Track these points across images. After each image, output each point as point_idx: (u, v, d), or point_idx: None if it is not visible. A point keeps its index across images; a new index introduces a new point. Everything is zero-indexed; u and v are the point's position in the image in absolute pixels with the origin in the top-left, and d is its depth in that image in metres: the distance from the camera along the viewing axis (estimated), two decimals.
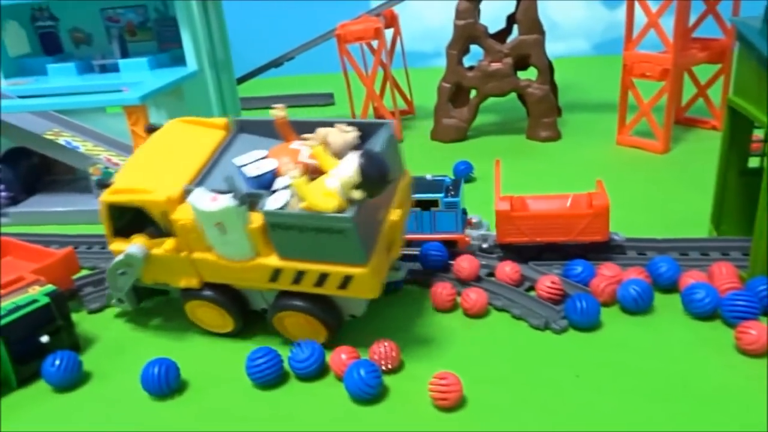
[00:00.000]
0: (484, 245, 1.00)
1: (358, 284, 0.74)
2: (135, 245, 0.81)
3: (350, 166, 0.70)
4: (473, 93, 1.61)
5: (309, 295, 0.78)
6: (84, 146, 1.34)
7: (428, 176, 1.02)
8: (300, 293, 0.78)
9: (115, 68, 1.47)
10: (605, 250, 0.96)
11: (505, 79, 1.53)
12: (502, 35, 1.64)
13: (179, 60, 1.51)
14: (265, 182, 0.78)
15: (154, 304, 0.95)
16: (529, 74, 1.58)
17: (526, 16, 1.48)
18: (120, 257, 0.82)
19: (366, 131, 0.81)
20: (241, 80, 1.81)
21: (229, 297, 0.83)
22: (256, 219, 0.74)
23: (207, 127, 0.89)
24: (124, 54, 1.50)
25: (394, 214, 0.80)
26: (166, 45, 1.56)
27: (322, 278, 0.75)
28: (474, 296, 0.86)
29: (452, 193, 0.97)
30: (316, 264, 0.74)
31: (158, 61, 1.47)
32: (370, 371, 0.71)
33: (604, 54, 2.42)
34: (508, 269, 0.92)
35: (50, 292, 0.84)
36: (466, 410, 0.70)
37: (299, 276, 0.76)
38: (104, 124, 1.40)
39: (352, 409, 0.72)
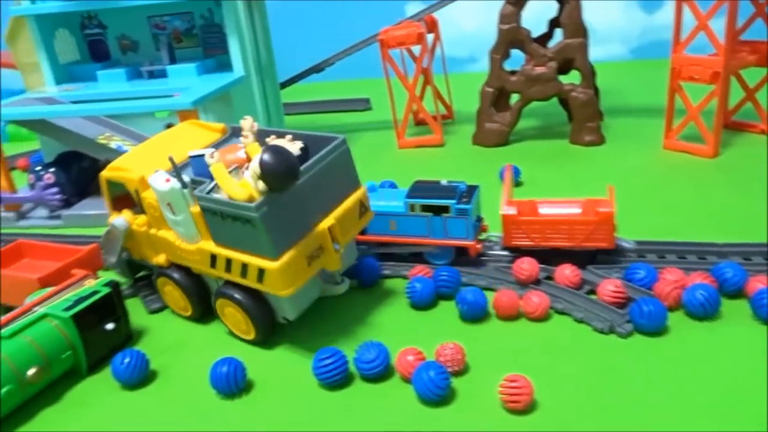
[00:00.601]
0: None
1: (270, 279, 0.77)
2: (120, 218, 0.92)
3: (257, 158, 0.74)
4: (513, 98, 1.60)
5: (247, 290, 0.82)
6: None
7: (443, 181, 1.01)
8: (241, 287, 0.82)
9: (162, 74, 1.49)
10: (613, 256, 0.96)
11: (549, 83, 1.52)
12: (543, 40, 1.64)
13: (224, 66, 1.53)
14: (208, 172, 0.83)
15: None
16: (570, 78, 1.57)
17: (570, 19, 1.48)
18: (109, 226, 0.93)
19: (319, 144, 0.85)
20: (284, 85, 1.82)
21: (191, 281, 0.90)
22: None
23: (208, 130, 0.99)
24: (172, 60, 1.53)
25: (327, 222, 0.81)
26: (211, 51, 1.58)
27: (245, 268, 0.79)
28: (536, 300, 0.85)
29: (465, 199, 0.97)
30: (239, 253, 0.79)
31: (205, 66, 1.49)
32: (439, 372, 0.71)
33: (641, 58, 2.40)
34: (567, 272, 0.91)
35: (108, 282, 0.87)
36: (536, 413, 0.70)
37: (229, 264, 0.81)
38: (153, 129, 1.42)
39: (421, 410, 0.72)
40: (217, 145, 0.93)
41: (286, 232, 0.77)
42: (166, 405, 0.77)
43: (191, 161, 0.88)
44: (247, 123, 0.85)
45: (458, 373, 0.76)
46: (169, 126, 1.02)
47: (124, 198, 0.93)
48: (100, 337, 0.84)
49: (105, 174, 0.94)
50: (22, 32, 1.85)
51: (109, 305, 0.86)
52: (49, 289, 0.87)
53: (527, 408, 0.70)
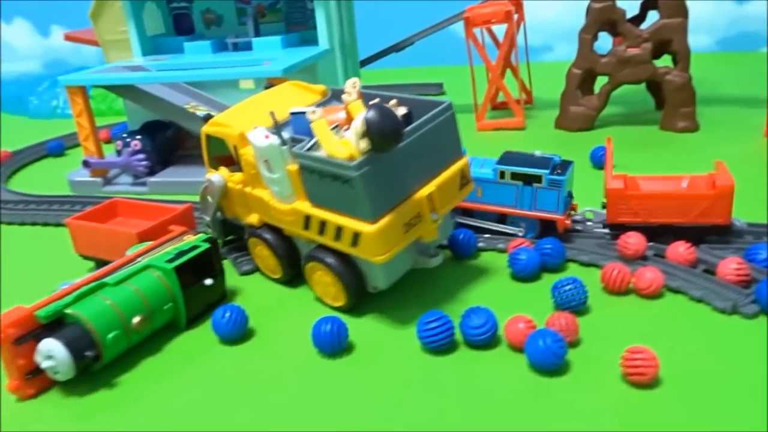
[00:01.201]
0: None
1: (365, 244, 0.74)
2: (216, 174, 0.91)
3: (361, 116, 0.71)
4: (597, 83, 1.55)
5: (338, 255, 0.80)
6: None
7: (537, 152, 0.98)
8: (333, 251, 0.80)
9: (247, 47, 1.50)
10: (723, 235, 0.90)
11: (641, 65, 1.46)
12: (634, 22, 1.57)
13: (307, 41, 1.52)
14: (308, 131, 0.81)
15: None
16: (660, 63, 1.50)
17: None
18: (204, 183, 0.93)
19: (423, 110, 0.80)
20: (363, 63, 1.81)
21: (282, 243, 0.88)
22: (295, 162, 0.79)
23: (308, 92, 0.97)
24: (257, 33, 1.53)
25: (427, 189, 0.77)
26: (293, 27, 1.58)
27: (339, 231, 0.76)
28: (650, 275, 0.80)
29: (559, 171, 0.92)
30: (334, 215, 0.76)
31: (289, 40, 1.49)
32: (556, 340, 0.67)
33: (729, 51, 2.29)
34: (682, 249, 0.86)
35: (207, 238, 0.86)
36: (660, 389, 0.65)
37: (323, 226, 0.78)
38: (236, 99, 1.42)
39: (535, 379, 0.68)
40: (318, 106, 0.91)
41: (385, 195, 0.74)
42: (266, 361, 0.76)
43: (292, 119, 0.86)
44: (350, 81, 0.83)
45: (572, 345, 0.72)
46: (269, 86, 1.00)
47: (224, 158, 0.92)
48: (199, 291, 0.83)
49: (206, 129, 0.93)
50: (106, 10, 1.89)
51: (208, 261, 0.85)
52: (149, 243, 0.87)
53: (652, 382, 0.65)
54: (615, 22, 1.47)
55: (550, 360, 0.67)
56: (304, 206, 0.80)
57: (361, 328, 0.80)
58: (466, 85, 1.66)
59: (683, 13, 1.42)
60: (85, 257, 1.00)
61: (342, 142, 0.74)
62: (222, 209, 0.96)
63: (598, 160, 1.29)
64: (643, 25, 1.56)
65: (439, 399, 0.67)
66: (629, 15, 1.56)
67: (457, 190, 0.84)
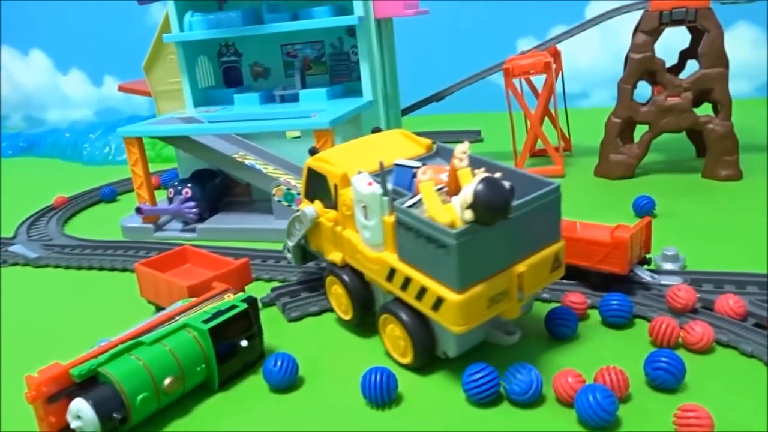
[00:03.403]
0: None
1: (447, 311, 0.73)
2: (310, 207, 0.94)
3: (470, 186, 0.70)
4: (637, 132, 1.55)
5: (415, 313, 0.80)
6: (266, 168, 1.42)
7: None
8: (409, 307, 0.80)
9: (294, 98, 1.55)
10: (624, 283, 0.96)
11: (683, 114, 1.47)
12: (673, 72, 1.59)
13: (351, 92, 1.58)
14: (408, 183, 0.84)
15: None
16: (700, 111, 1.51)
17: (711, 48, 1.42)
18: (298, 213, 0.96)
19: (528, 185, 0.79)
20: (405, 112, 1.85)
21: (360, 287, 0.89)
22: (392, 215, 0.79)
23: (414, 143, 0.98)
24: (303, 85, 1.59)
25: (519, 267, 0.75)
26: (338, 78, 1.64)
27: (422, 292, 0.76)
28: (700, 330, 0.80)
29: None
30: (421, 275, 0.76)
31: (333, 92, 1.55)
32: (606, 396, 0.67)
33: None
34: (731, 302, 0.85)
35: (246, 298, 0.87)
36: None
37: (407, 282, 0.78)
38: (283, 149, 1.48)
39: None
40: (421, 161, 0.89)
41: (477, 267, 0.72)
42: (316, 410, 0.77)
43: (395, 170, 0.86)
44: (461, 147, 0.78)
45: (622, 400, 0.72)
46: (314, 150, 0.99)
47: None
48: (234, 352, 0.83)
49: (310, 163, 0.95)
50: (159, 62, 1.99)
51: (246, 321, 0.85)
52: (192, 300, 0.89)
53: None
54: (654, 72, 1.49)
55: (601, 416, 0.67)
56: (392, 258, 0.80)
57: (410, 379, 0.81)
58: (503, 131, 1.69)
59: (724, 63, 1.43)
60: (149, 302, 1.04)
61: (446, 208, 0.73)
62: (307, 239, 0.99)
63: (641, 209, 1.29)
64: (683, 74, 1.57)
65: None
66: (668, 64, 1.58)
67: (548, 272, 0.80)
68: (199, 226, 1.42)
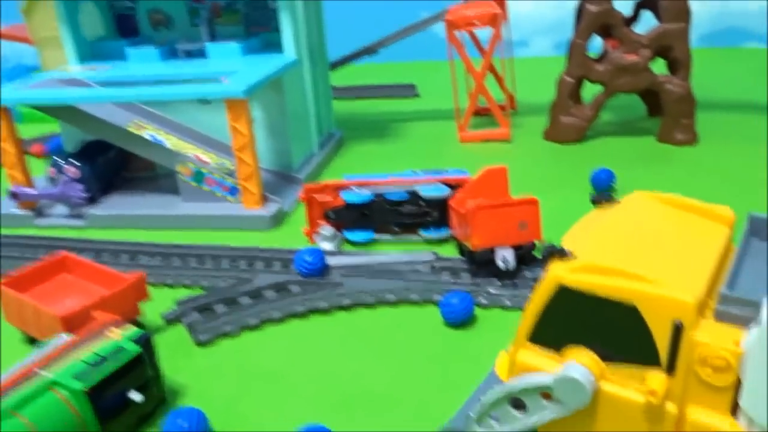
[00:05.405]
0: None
1: None
2: (578, 366, 0.47)
3: None
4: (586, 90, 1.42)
5: None
6: (170, 141, 1.19)
7: None
8: None
9: (201, 54, 1.31)
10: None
11: (641, 73, 1.34)
12: (626, 24, 1.45)
13: (270, 45, 1.35)
14: None
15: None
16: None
17: (673, 1, 1.28)
18: (542, 378, 0.48)
19: None
20: (333, 66, 1.64)
21: None
22: None
23: (697, 215, 0.57)
24: (212, 38, 1.35)
25: None
26: (254, 28, 1.40)
27: None
28: None
29: None
30: None
31: (249, 46, 1.31)
32: None
33: (713, 46, 2.20)
34: None
35: (138, 337, 0.67)
36: None
37: None
38: (190, 116, 1.25)
39: None
40: (741, 251, 0.51)
41: None
42: None
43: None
44: None
45: None
46: (598, 200, 0.58)
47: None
48: (125, 405, 0.65)
49: (569, 278, 0.48)
50: (40, 3, 1.67)
51: (138, 368, 0.66)
52: (66, 339, 0.67)
53: None
54: (611, 26, 1.34)
55: None
56: None
57: None
58: (441, 84, 1.52)
59: (686, 17, 1.30)
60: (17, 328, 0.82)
61: None
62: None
63: (601, 184, 1.15)
64: (638, 27, 1.43)
65: None
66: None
67: None
68: (90, 211, 1.18)
